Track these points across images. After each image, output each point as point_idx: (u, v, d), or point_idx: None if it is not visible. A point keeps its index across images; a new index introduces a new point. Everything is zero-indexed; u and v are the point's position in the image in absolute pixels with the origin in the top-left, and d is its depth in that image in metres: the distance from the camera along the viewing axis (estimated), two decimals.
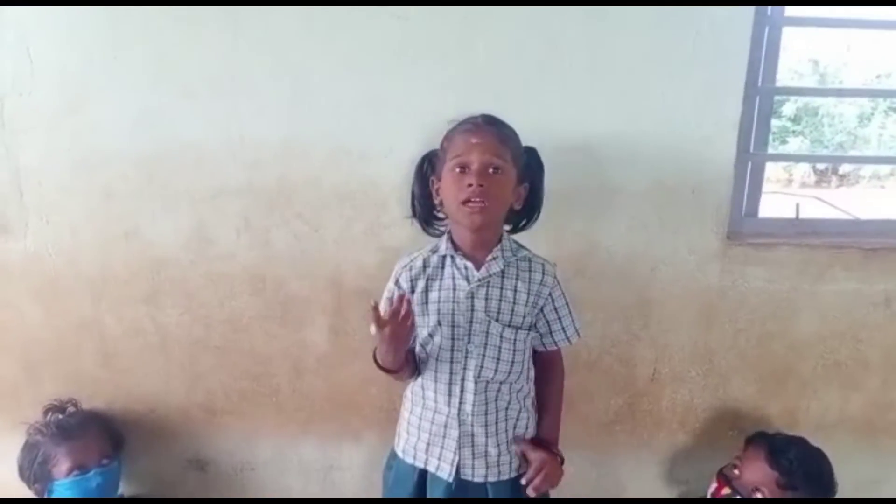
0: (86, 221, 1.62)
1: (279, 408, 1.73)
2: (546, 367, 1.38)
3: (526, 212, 1.31)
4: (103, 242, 1.63)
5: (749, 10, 1.47)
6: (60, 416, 1.64)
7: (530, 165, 1.29)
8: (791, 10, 1.57)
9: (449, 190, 1.21)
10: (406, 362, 1.26)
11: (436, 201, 1.29)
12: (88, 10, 1.49)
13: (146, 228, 1.62)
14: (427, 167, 1.30)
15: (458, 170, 1.18)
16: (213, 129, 1.55)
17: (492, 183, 1.16)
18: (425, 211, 1.32)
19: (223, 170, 1.57)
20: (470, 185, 1.15)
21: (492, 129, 1.20)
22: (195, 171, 1.58)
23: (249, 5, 1.47)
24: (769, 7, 1.53)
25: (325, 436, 1.75)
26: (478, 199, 1.15)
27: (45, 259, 1.64)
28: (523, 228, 1.34)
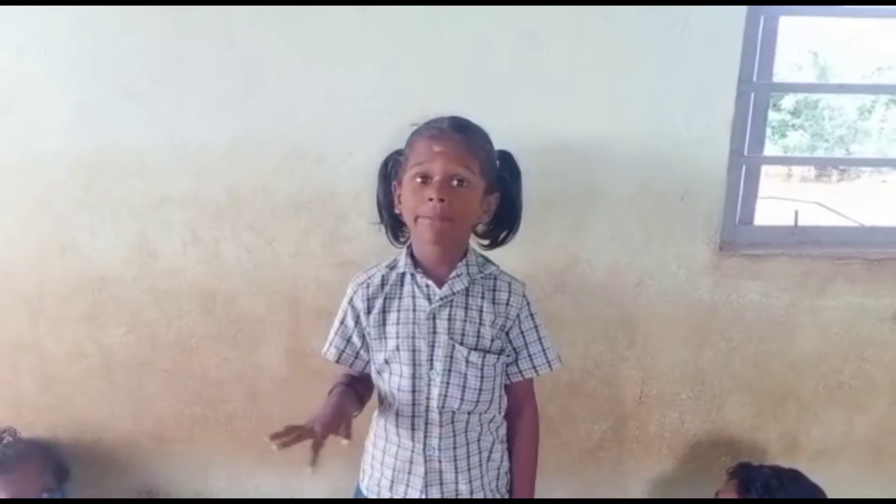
0: (21, 233, 1.52)
1: (234, 435, 1.63)
2: (513, 415, 1.24)
3: (503, 223, 1.19)
4: (39, 256, 1.53)
5: None
6: None
7: (504, 172, 1.17)
8: None
9: (407, 201, 1.10)
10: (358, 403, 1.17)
11: (397, 209, 1.17)
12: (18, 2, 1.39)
13: (85, 241, 1.52)
14: (392, 168, 1.18)
15: (418, 179, 1.07)
16: (154, 131, 1.45)
17: (454, 197, 1.05)
18: (392, 218, 1.19)
19: (167, 175, 1.47)
20: (430, 200, 1.05)
21: (458, 135, 1.08)
22: (136, 177, 1.47)
23: None
24: None
25: (285, 465, 1.63)
26: (437, 216, 1.05)
27: None
28: (503, 242, 1.21)
